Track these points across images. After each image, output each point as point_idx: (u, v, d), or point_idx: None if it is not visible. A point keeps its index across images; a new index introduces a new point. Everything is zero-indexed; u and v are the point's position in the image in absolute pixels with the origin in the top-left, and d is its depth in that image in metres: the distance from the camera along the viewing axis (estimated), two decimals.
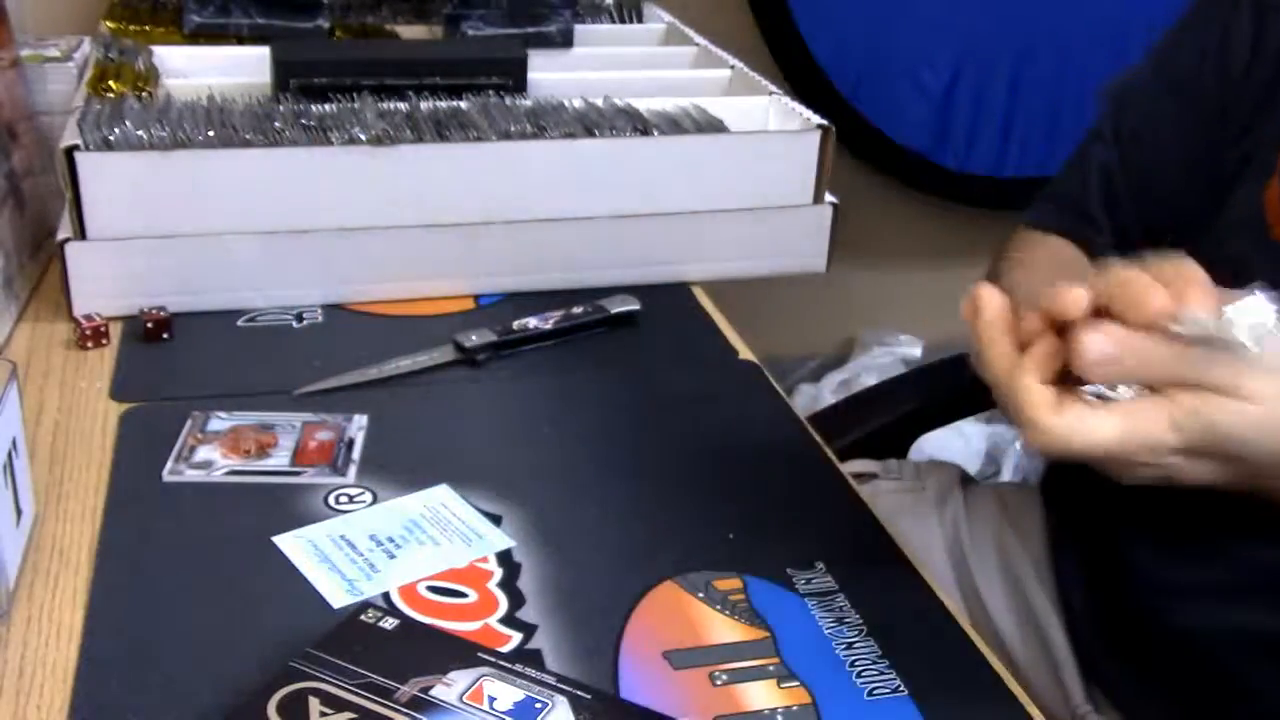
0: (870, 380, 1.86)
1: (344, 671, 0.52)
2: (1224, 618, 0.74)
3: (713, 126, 0.98)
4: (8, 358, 0.81)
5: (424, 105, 0.96)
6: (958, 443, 1.78)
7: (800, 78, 1.70)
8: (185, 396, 0.78)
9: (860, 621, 0.62)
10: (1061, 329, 0.53)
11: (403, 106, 0.95)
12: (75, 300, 0.86)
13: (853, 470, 0.95)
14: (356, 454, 0.73)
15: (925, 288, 1.98)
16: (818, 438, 0.79)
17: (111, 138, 0.85)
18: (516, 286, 0.94)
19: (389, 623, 0.56)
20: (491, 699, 0.51)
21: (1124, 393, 0.54)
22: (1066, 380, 0.53)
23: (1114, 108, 0.86)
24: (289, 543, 0.65)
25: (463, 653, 0.54)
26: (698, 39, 1.23)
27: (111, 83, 0.97)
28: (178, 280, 0.87)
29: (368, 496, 0.70)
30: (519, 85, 1.05)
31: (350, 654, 0.53)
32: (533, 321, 0.87)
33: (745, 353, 0.89)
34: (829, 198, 1.00)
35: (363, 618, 0.56)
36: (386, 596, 0.62)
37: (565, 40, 1.22)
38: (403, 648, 0.54)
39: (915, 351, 1.99)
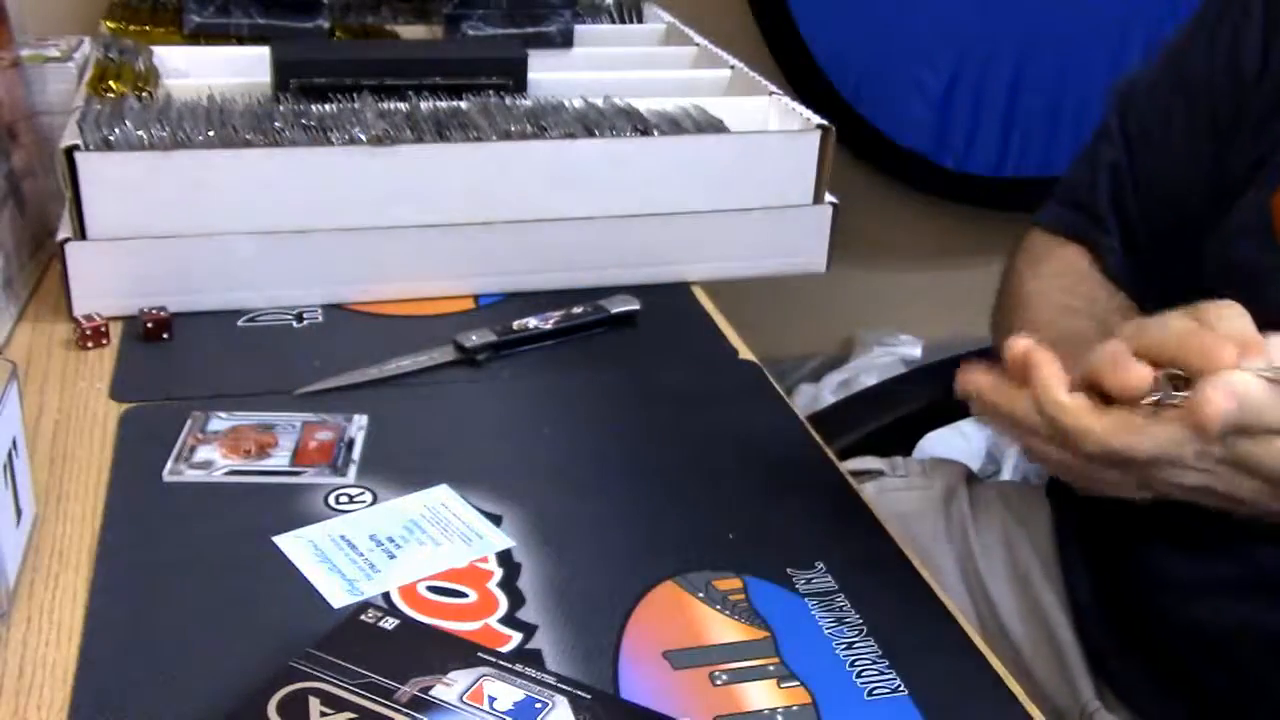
0: (870, 380, 1.86)
1: (344, 671, 0.52)
2: (1232, 613, 0.74)
3: (713, 126, 0.98)
4: (8, 358, 0.81)
5: (424, 105, 0.96)
6: (958, 442, 1.78)
7: (800, 78, 1.70)
8: (185, 396, 0.78)
9: (860, 621, 0.62)
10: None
11: (403, 106, 0.95)
12: (75, 300, 0.86)
13: (859, 467, 0.95)
14: (356, 454, 0.73)
15: (925, 288, 1.98)
16: (818, 438, 0.79)
17: (111, 138, 0.85)
18: (516, 286, 0.94)
19: (389, 623, 0.56)
20: (491, 699, 0.51)
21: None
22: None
23: (1122, 107, 0.86)
24: (289, 543, 0.65)
25: (463, 653, 0.54)
26: (698, 39, 1.23)
27: (111, 83, 0.97)
28: (178, 280, 0.87)
29: (368, 496, 0.70)
30: (519, 85, 1.05)
31: (350, 654, 0.53)
32: (533, 321, 0.87)
33: (745, 353, 0.89)
34: (829, 198, 1.00)
35: (363, 618, 0.56)
36: (386, 596, 0.62)
37: (565, 40, 1.22)
38: (403, 648, 0.54)
39: (915, 351, 1.99)
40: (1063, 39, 1.76)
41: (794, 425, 0.81)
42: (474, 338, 0.84)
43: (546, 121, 0.93)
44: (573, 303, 0.90)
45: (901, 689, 0.57)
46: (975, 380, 0.58)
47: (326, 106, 0.94)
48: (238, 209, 0.86)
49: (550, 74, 1.08)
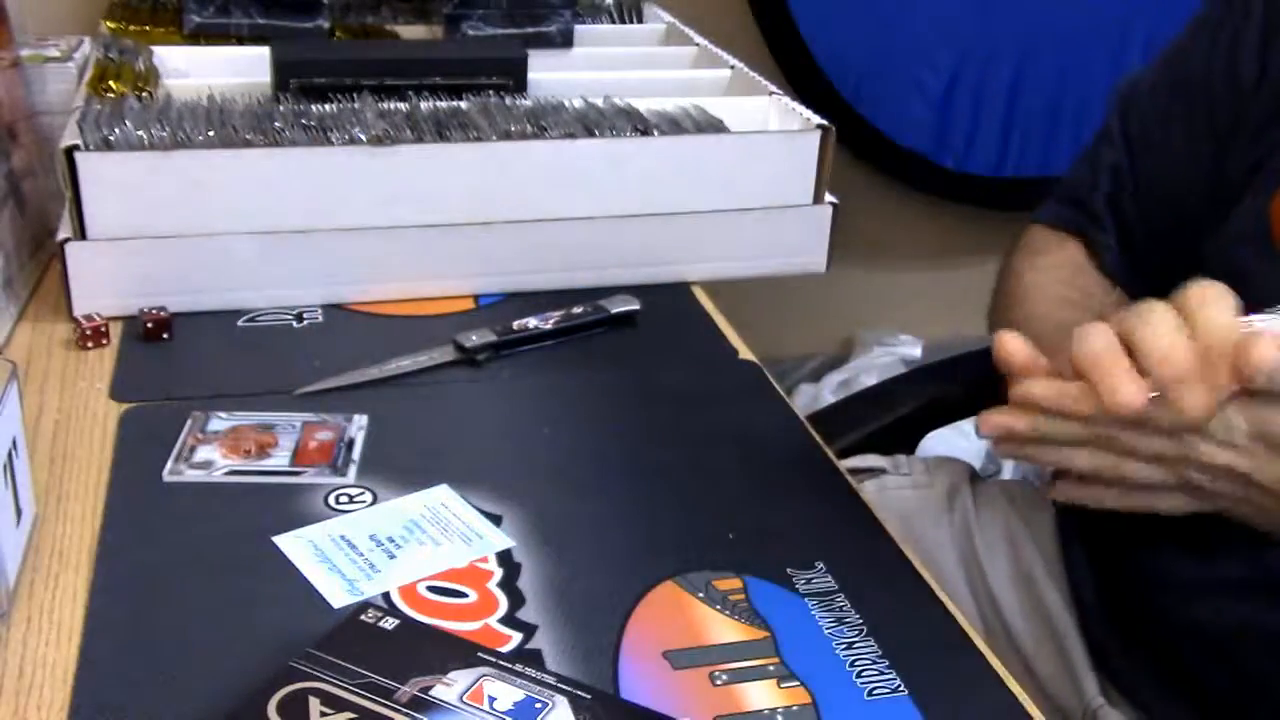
0: (870, 380, 1.86)
1: (344, 671, 0.52)
2: (1234, 613, 0.74)
3: (713, 126, 0.98)
4: (8, 358, 0.81)
5: (424, 105, 0.96)
6: (960, 442, 1.77)
7: (800, 78, 1.70)
8: (185, 396, 0.78)
9: (860, 621, 0.62)
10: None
11: (403, 106, 0.95)
12: (75, 300, 0.86)
13: (860, 465, 0.95)
14: (356, 454, 0.73)
15: (925, 288, 1.98)
16: (818, 438, 0.79)
17: (111, 138, 0.85)
18: (516, 286, 0.94)
19: (389, 623, 0.56)
20: (491, 699, 0.51)
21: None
22: None
23: (1124, 108, 0.86)
24: (289, 543, 0.65)
25: (463, 653, 0.54)
26: (698, 39, 1.23)
27: (111, 83, 0.97)
28: (178, 280, 0.87)
29: (368, 496, 0.70)
30: (519, 85, 1.05)
31: (350, 654, 0.53)
32: (533, 321, 0.87)
33: (745, 353, 0.89)
34: (829, 198, 1.00)
35: (363, 618, 0.56)
36: (386, 596, 0.62)
37: (565, 40, 1.22)
38: (403, 648, 0.54)
39: (915, 351, 1.99)
40: (1063, 39, 1.76)
41: (794, 425, 0.81)
42: (474, 338, 0.84)
43: (546, 121, 0.93)
44: (573, 303, 0.90)
45: (901, 689, 0.57)
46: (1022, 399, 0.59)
47: (326, 106, 0.94)
48: (238, 209, 0.86)
49: (550, 74, 1.08)
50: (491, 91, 1.02)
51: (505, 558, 0.65)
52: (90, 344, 0.84)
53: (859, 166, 1.82)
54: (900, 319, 2.00)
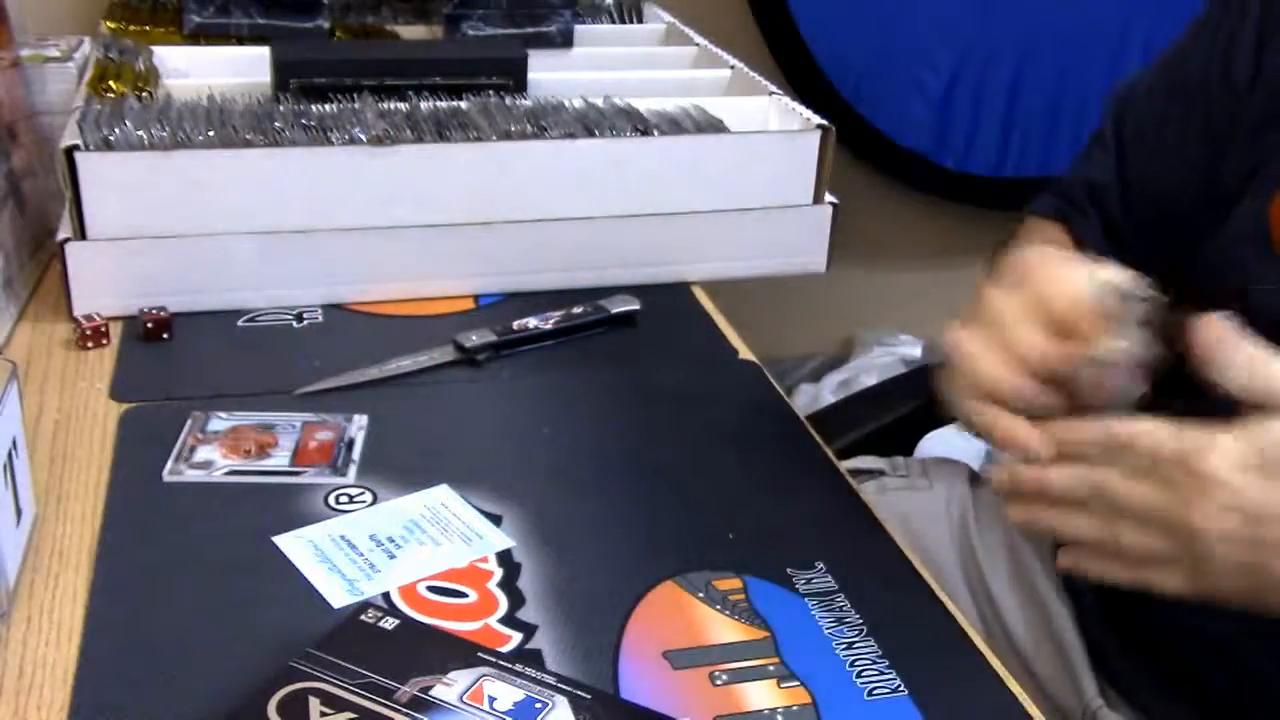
0: (870, 380, 1.86)
1: (344, 671, 0.52)
2: (1235, 613, 0.74)
3: (713, 126, 0.98)
4: (8, 358, 0.81)
5: (424, 105, 0.96)
6: (959, 442, 1.77)
7: (800, 78, 1.70)
8: (185, 396, 0.78)
9: (860, 621, 0.62)
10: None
11: (403, 106, 0.95)
12: (75, 300, 0.86)
13: (859, 466, 0.95)
14: (356, 454, 0.73)
15: (925, 288, 1.98)
16: (818, 438, 0.79)
17: (111, 138, 0.85)
18: (516, 286, 0.94)
19: (389, 623, 0.56)
20: (491, 699, 0.51)
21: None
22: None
23: (1119, 110, 0.87)
24: (289, 543, 0.65)
25: (463, 653, 0.54)
26: (698, 39, 1.23)
27: (111, 83, 0.97)
28: (178, 280, 0.87)
29: (368, 496, 0.70)
30: (519, 85, 1.05)
31: (350, 654, 0.53)
32: (533, 321, 0.87)
33: (745, 353, 0.89)
34: (829, 198, 1.00)
35: (363, 618, 0.56)
36: (386, 596, 0.62)
37: (565, 40, 1.22)
38: (403, 648, 0.54)
39: (915, 351, 1.99)
40: (1063, 39, 1.76)
41: (794, 425, 0.81)
42: (474, 338, 0.84)
43: (546, 121, 0.93)
44: (573, 303, 0.90)
45: (901, 689, 0.57)
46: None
47: (326, 106, 0.94)
48: (238, 209, 0.86)
49: (550, 74, 1.08)
50: (491, 91, 1.02)
51: (505, 558, 0.65)
52: (90, 344, 0.84)
53: (859, 166, 1.82)
54: (900, 319, 2.00)
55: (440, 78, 1.02)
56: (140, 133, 0.85)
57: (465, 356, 0.84)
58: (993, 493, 0.62)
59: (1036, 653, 0.85)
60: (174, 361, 0.83)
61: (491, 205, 0.91)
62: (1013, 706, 0.58)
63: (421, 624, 0.59)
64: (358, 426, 0.76)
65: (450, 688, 0.52)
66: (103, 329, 0.84)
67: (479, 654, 0.54)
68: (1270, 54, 0.76)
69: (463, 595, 0.62)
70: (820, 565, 0.66)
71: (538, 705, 0.51)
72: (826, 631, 0.61)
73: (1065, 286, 0.63)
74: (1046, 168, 1.79)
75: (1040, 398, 0.62)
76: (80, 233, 0.84)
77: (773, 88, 1.07)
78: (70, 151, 0.82)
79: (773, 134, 1.02)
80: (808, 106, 1.02)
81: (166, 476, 0.70)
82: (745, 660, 0.59)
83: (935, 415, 1.08)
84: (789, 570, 0.65)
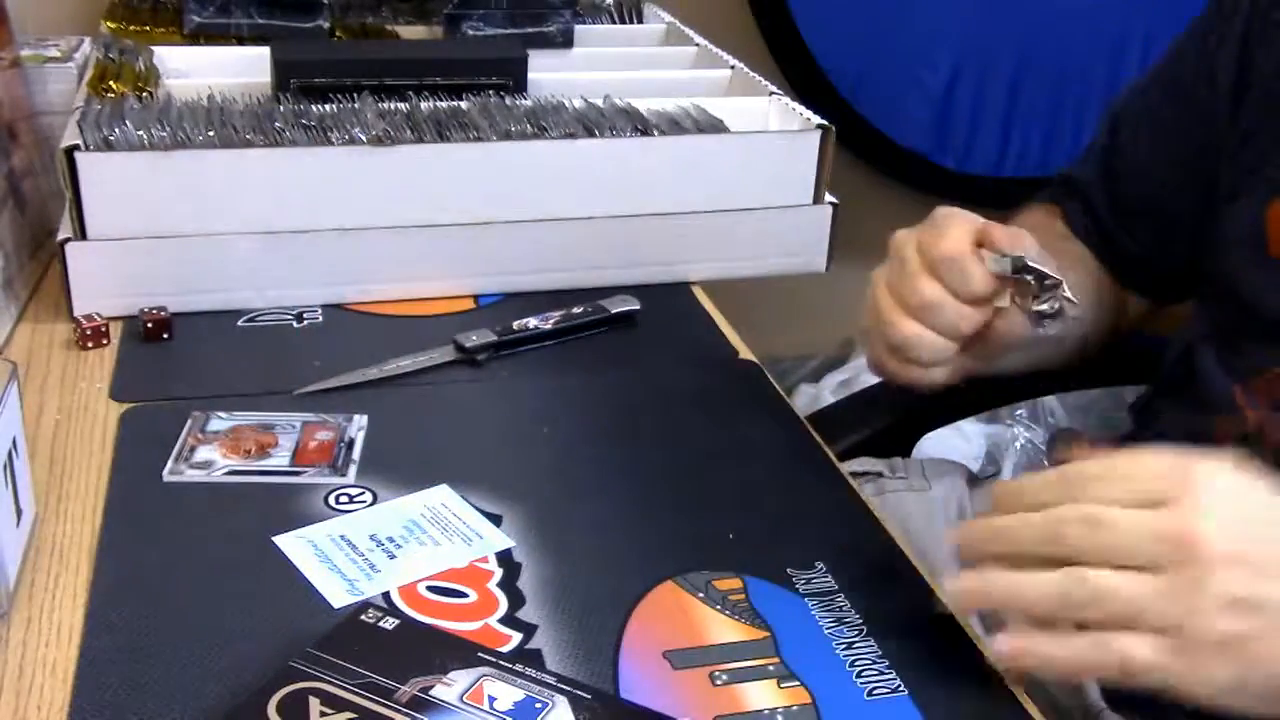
0: (870, 380, 1.86)
1: (344, 671, 0.52)
2: None
3: (713, 126, 0.98)
4: (8, 358, 0.81)
5: (424, 105, 0.96)
6: (958, 442, 1.78)
7: (800, 78, 1.70)
8: (185, 396, 0.78)
9: (860, 621, 0.62)
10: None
11: (403, 106, 0.95)
12: (75, 300, 0.86)
13: (857, 469, 0.95)
14: (356, 454, 0.73)
15: None
16: (818, 438, 0.79)
17: (111, 138, 0.85)
18: (516, 286, 0.94)
19: (389, 623, 0.56)
20: (491, 699, 0.51)
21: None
22: None
23: (1116, 111, 0.88)
24: (289, 543, 0.65)
25: (463, 653, 0.54)
26: (698, 39, 1.23)
27: (111, 83, 0.97)
28: (178, 280, 0.87)
29: (368, 496, 0.70)
30: (519, 85, 1.05)
31: (350, 654, 0.53)
32: (533, 321, 0.87)
33: (745, 353, 0.89)
34: (829, 198, 1.00)
35: (363, 618, 0.56)
36: (386, 596, 0.62)
37: (565, 40, 1.22)
38: (403, 648, 0.54)
39: None
40: (1063, 39, 1.76)
41: (794, 425, 0.81)
42: (474, 338, 0.84)
43: (546, 121, 0.93)
44: (573, 303, 0.90)
45: (901, 689, 0.57)
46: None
47: (326, 106, 0.94)
48: (238, 209, 0.86)
49: (550, 74, 1.08)
50: (491, 91, 1.02)
51: (505, 558, 0.65)
52: (90, 344, 0.84)
53: (859, 166, 1.82)
54: None
55: (440, 78, 1.02)
56: (140, 133, 0.85)
57: (465, 356, 0.84)
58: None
59: None
60: (174, 361, 0.83)
61: (491, 205, 0.91)
62: (1013, 707, 0.58)
63: (421, 624, 0.59)
64: (357, 426, 0.76)
65: (450, 688, 0.52)
66: (103, 329, 0.84)
67: (479, 654, 0.54)
68: (1256, 57, 0.76)
69: (463, 595, 0.62)
70: (820, 565, 0.66)
71: (538, 705, 0.51)
72: (826, 631, 0.61)
73: (956, 233, 0.74)
74: (1046, 168, 1.79)
75: (938, 343, 0.72)
76: (80, 233, 0.84)
77: (773, 88, 1.07)
78: (70, 151, 0.82)
79: (773, 134, 1.02)
80: (808, 106, 1.02)
81: (166, 476, 0.70)
82: (745, 660, 0.59)
83: (934, 416, 1.08)
84: (789, 570, 0.65)
